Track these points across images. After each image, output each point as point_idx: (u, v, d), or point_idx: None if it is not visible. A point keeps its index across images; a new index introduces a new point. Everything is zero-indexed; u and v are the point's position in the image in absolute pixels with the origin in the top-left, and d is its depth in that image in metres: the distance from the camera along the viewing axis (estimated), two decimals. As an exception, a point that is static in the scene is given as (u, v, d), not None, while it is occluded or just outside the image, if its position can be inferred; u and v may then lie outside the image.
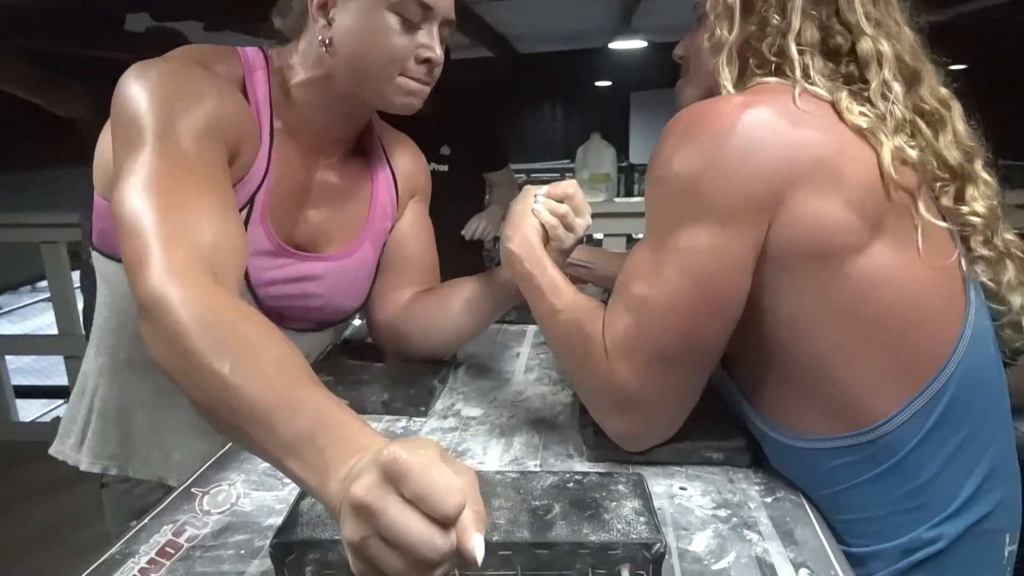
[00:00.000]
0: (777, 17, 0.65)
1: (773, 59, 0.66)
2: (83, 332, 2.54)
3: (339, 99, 0.81)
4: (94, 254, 0.84)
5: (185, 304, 0.51)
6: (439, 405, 0.89)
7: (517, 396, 0.91)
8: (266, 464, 0.74)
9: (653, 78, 5.97)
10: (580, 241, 0.80)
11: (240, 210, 0.78)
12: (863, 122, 0.61)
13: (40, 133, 2.64)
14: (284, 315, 0.88)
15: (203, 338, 0.49)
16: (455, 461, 0.40)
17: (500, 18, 4.19)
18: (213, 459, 0.77)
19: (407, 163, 0.96)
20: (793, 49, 0.64)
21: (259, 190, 0.79)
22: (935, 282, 0.62)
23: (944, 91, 0.67)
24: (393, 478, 0.36)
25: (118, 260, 0.78)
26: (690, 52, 0.77)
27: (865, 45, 0.64)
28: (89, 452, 0.92)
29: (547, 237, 0.77)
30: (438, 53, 0.77)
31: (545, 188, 0.79)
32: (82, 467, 0.92)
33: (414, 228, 0.96)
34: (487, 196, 2.28)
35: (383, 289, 0.95)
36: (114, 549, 0.61)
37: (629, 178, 7.19)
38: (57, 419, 3.37)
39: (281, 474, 0.73)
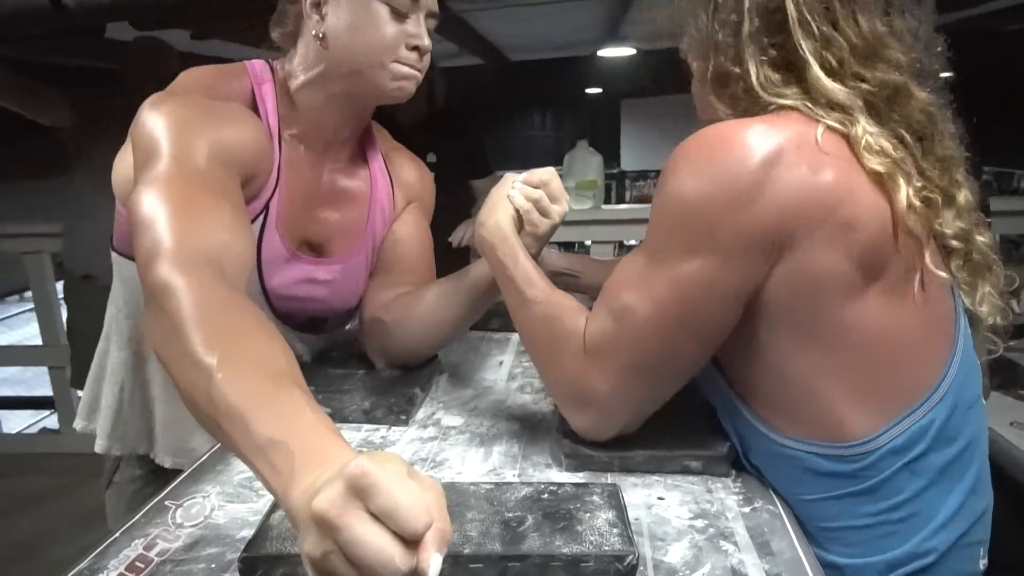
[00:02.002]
0: (734, 66, 0.63)
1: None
2: (67, 343, 2.52)
3: (338, 97, 0.84)
4: (114, 255, 0.90)
5: (188, 294, 0.53)
6: (420, 414, 0.88)
7: (498, 406, 0.91)
8: (241, 476, 0.75)
9: (644, 85, 6.00)
10: (555, 228, 0.80)
11: (257, 216, 0.82)
12: (880, 167, 0.57)
13: (22, 142, 2.62)
14: (287, 315, 0.92)
15: (197, 330, 0.50)
16: (421, 475, 0.39)
17: (489, 26, 4.20)
18: (187, 471, 0.76)
19: (406, 173, 0.99)
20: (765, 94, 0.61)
21: (273, 196, 0.83)
22: (924, 320, 0.62)
23: (925, 99, 0.61)
24: (360, 492, 0.36)
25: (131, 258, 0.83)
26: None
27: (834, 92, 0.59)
28: (118, 440, 0.97)
29: (521, 224, 0.78)
30: (426, 41, 0.81)
31: (523, 175, 0.80)
32: (113, 452, 0.99)
33: (409, 232, 0.98)
34: (474, 204, 2.29)
35: (373, 287, 0.97)
36: (83, 564, 0.60)
37: (620, 185, 7.19)
38: (43, 429, 3.32)
39: (257, 486, 0.73)
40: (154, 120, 0.69)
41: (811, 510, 0.66)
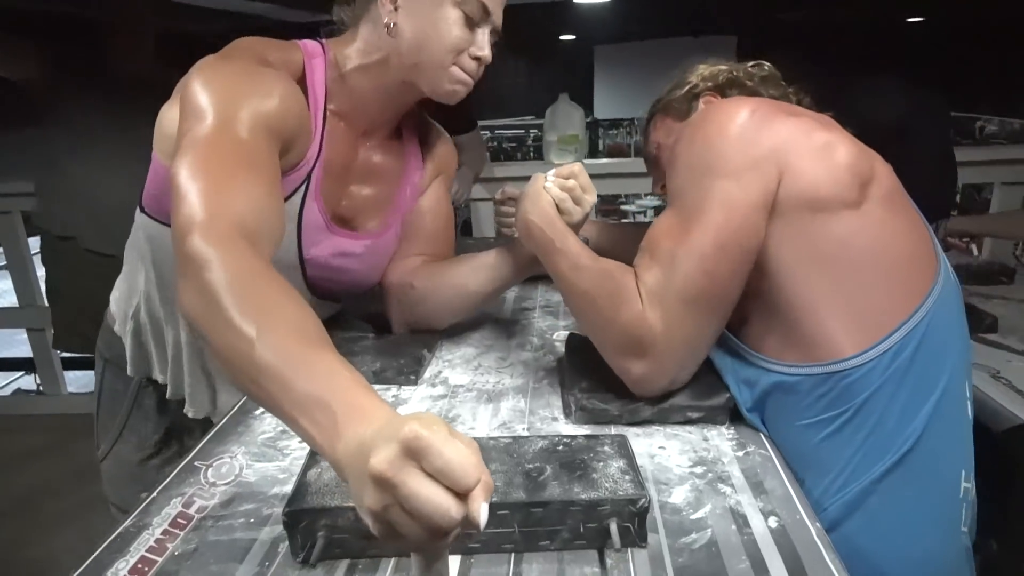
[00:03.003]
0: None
1: None
2: (44, 304, 2.48)
3: (390, 84, 0.88)
4: (142, 218, 0.90)
5: (222, 265, 0.55)
6: (427, 373, 0.93)
7: (501, 363, 0.95)
8: (264, 437, 0.78)
9: (618, 31, 5.91)
10: (587, 216, 0.87)
11: (299, 186, 0.84)
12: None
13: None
14: (316, 285, 0.94)
15: (234, 298, 0.53)
16: (460, 434, 0.43)
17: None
18: (212, 432, 0.80)
19: (436, 147, 1.04)
20: None
21: (314, 168, 0.85)
22: (908, 241, 0.74)
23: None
24: (414, 453, 0.40)
25: (163, 222, 0.86)
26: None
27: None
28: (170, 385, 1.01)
29: (559, 212, 0.85)
30: (487, 53, 0.85)
31: (553, 170, 0.87)
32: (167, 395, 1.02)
33: (434, 204, 1.02)
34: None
35: (398, 254, 1.01)
36: (128, 522, 0.64)
37: (594, 133, 7.13)
38: (18, 391, 3.27)
39: (281, 446, 0.77)
40: (203, 84, 0.70)
41: (802, 435, 0.73)
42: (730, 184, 0.71)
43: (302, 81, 0.84)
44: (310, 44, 0.88)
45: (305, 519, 0.57)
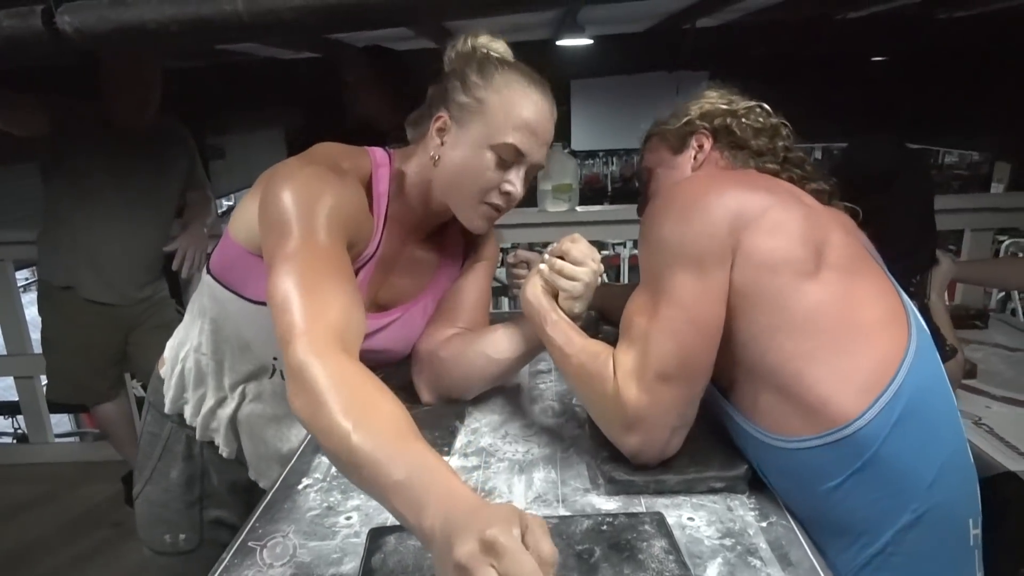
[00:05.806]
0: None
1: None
2: (34, 352, 2.45)
3: (435, 201, 0.97)
4: (210, 280, 0.99)
5: (322, 372, 0.64)
6: (458, 443, 0.97)
7: (527, 431, 1.00)
8: (312, 514, 0.82)
9: (594, 68, 6.08)
10: (591, 286, 0.91)
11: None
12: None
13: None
14: None
15: (335, 400, 0.61)
16: (537, 525, 0.49)
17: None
18: (260, 509, 0.83)
19: (478, 240, 1.10)
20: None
21: (368, 262, 0.94)
22: (878, 297, 0.80)
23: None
24: (492, 553, 0.46)
25: (228, 288, 0.96)
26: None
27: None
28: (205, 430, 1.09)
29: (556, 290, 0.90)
30: (518, 189, 0.92)
31: (551, 246, 0.92)
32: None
33: (472, 282, 1.09)
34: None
35: (432, 324, 1.06)
36: (195, 609, 0.67)
37: (571, 164, 7.28)
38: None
39: (329, 523, 0.81)
40: (286, 194, 0.79)
41: (817, 499, 0.77)
42: (693, 271, 0.77)
43: (368, 186, 0.93)
44: (379, 154, 0.96)
45: (376, 606, 0.62)
